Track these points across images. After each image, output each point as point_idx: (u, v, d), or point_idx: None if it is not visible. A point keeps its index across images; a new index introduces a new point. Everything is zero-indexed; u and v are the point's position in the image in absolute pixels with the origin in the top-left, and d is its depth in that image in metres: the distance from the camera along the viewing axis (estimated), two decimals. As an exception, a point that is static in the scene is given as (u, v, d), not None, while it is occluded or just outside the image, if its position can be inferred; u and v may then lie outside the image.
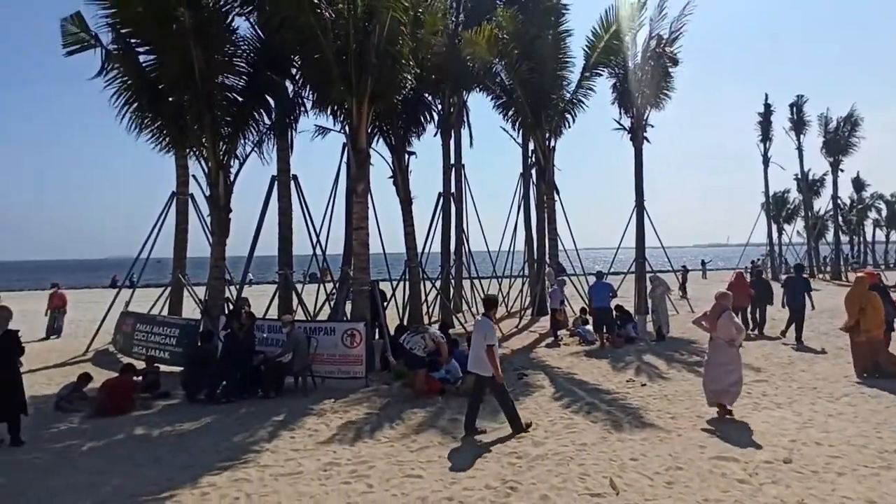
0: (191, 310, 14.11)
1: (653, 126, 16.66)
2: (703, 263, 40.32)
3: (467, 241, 17.68)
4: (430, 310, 16.35)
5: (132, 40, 10.33)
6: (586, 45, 15.17)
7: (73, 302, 17.03)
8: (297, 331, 8.88)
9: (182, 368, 9.30)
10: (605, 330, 12.17)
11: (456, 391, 8.29)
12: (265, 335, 9.53)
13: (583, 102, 15.85)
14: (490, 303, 6.84)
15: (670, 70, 16.09)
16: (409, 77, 11.41)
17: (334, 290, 14.45)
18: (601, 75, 15.77)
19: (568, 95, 15.69)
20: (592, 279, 14.10)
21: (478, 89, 17.13)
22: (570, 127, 16.19)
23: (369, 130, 11.46)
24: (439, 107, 16.01)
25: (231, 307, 10.13)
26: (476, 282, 18.45)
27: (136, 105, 10.26)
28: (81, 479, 5.37)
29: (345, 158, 13.45)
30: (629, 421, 6.77)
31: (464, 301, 18.21)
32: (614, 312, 12.62)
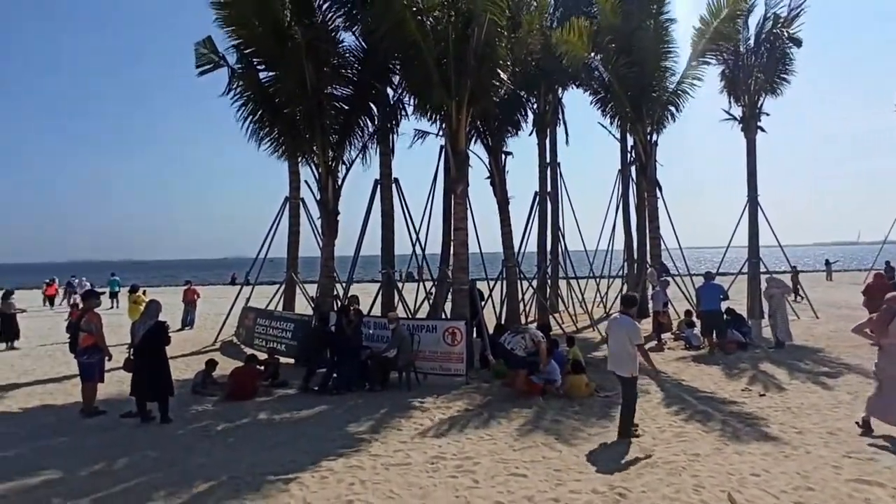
0: (303, 306, 15.17)
1: (768, 114, 15.38)
2: (828, 264, 35.98)
3: (564, 240, 17.36)
4: (527, 309, 16.27)
5: (254, 59, 11.35)
6: (694, 33, 14.30)
7: (201, 297, 18.94)
8: (402, 328, 9.27)
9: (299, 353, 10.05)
10: (714, 334, 11.42)
11: (556, 392, 8.23)
12: (371, 331, 10.04)
13: (687, 93, 14.97)
14: (630, 301, 6.65)
15: (790, 52, 14.77)
16: (505, 78, 11.46)
17: (432, 289, 14.86)
18: (710, 63, 14.81)
19: (671, 87, 14.89)
20: (699, 280, 13.28)
21: (574, 85, 16.76)
22: (673, 120, 15.37)
23: (467, 132, 11.66)
24: (534, 105, 15.89)
25: (340, 304, 10.78)
26: (573, 282, 18.05)
27: (257, 117, 11.29)
28: (219, 456, 6.00)
29: (443, 160, 13.78)
30: (748, 433, 6.34)
31: (560, 301, 17.92)
32: (725, 316, 11.80)
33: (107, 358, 7.65)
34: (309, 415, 7.68)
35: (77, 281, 27.56)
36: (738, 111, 15.29)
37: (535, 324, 13.61)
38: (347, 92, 11.98)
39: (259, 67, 11.50)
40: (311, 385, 8.98)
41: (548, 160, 16.71)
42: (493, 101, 12.00)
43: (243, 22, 10.81)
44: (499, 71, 11.02)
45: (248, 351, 11.69)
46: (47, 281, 27.17)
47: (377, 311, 13.04)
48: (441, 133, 12.52)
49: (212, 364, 9.41)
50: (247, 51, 11.36)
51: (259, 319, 12.60)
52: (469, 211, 11.80)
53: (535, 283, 15.73)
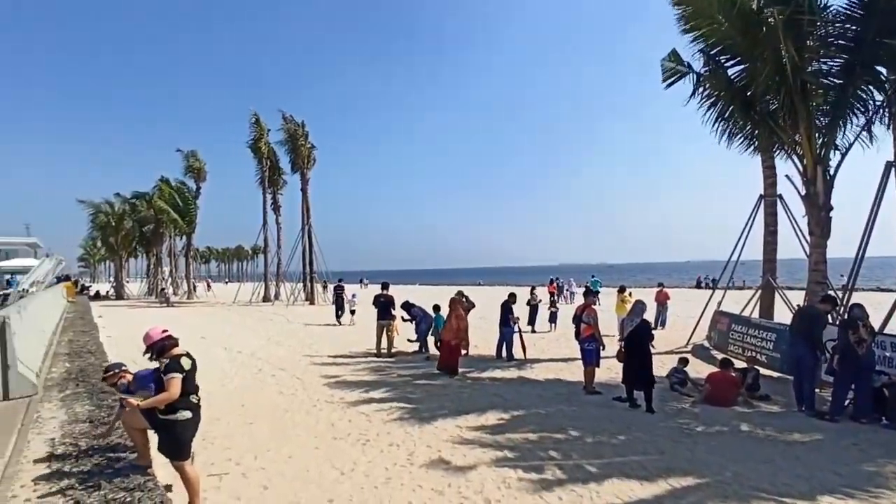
0: (782, 314, 13.59)
1: None
2: None
3: None
4: None
5: (720, 58, 11.07)
6: None
7: (670, 298, 19.61)
8: (939, 354, 7.07)
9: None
10: None
11: None
12: (888, 354, 8.06)
13: None
14: None
15: None
16: None
17: None
18: None
19: None
20: None
21: None
22: None
23: None
24: None
25: (842, 318, 9.10)
26: None
27: (726, 116, 10.95)
28: (701, 456, 6.15)
29: None
30: None
31: None
32: None
33: (601, 347, 9.12)
34: (803, 439, 6.88)
35: (561, 281, 33.62)
36: None
37: None
38: (839, 63, 10.03)
39: (727, 65, 11.12)
40: (803, 408, 8.00)
41: None
42: None
43: (708, 21, 10.69)
44: None
45: (720, 355, 11.38)
46: (550, 279, 34.13)
47: (892, 327, 10.30)
48: None
49: (684, 361, 9.74)
50: (713, 51, 11.18)
51: (734, 325, 12.06)
52: None
53: None
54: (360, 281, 61.87)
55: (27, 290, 16.47)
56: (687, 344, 14.24)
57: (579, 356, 9.56)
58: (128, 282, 54.51)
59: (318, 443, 6.65)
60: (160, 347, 4.64)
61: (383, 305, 13.38)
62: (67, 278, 43.72)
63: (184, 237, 44.49)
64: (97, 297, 45.30)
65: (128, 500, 4.31)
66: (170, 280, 46.60)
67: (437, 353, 12.72)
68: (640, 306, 8.32)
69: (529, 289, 19.57)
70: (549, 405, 8.40)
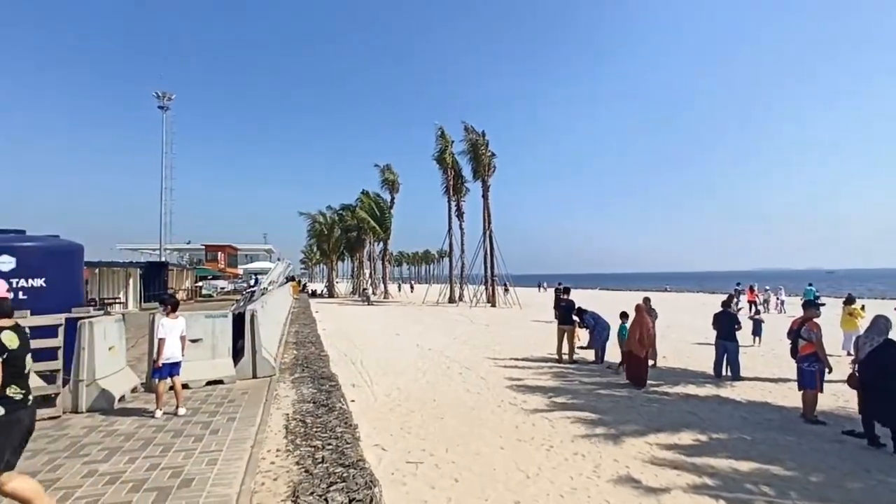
0: None
1: None
2: None
3: None
4: None
5: None
6: None
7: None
8: None
9: None
10: None
11: None
12: None
13: None
14: None
15: None
16: None
17: None
18: None
19: None
20: None
21: None
22: None
23: None
24: None
25: None
26: None
27: None
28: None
29: None
30: None
31: None
32: None
33: (826, 369, 7.72)
34: None
35: (742, 287, 29.56)
36: None
37: None
38: None
39: None
40: None
41: None
42: None
43: None
44: None
45: None
46: (749, 286, 30.10)
47: None
48: None
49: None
50: None
51: None
52: None
53: None
54: (539, 285, 61.87)
55: (266, 289, 20.16)
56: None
57: (793, 377, 8.26)
58: (338, 282, 62.88)
59: (503, 443, 6.87)
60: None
61: (565, 310, 13.26)
62: (293, 279, 51.92)
63: (380, 243, 49.63)
64: (314, 294, 53.03)
65: (344, 475, 5.00)
66: (370, 281, 52.38)
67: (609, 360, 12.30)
68: (882, 322, 6.83)
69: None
70: (755, 431, 7.40)
